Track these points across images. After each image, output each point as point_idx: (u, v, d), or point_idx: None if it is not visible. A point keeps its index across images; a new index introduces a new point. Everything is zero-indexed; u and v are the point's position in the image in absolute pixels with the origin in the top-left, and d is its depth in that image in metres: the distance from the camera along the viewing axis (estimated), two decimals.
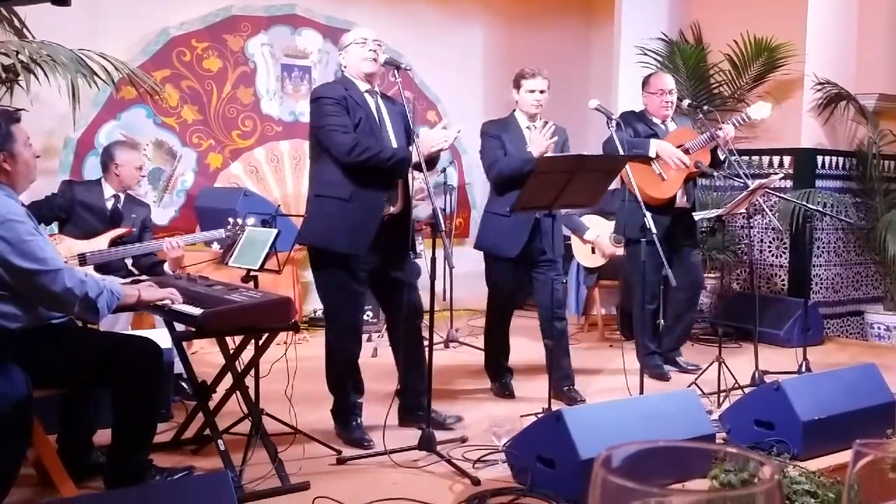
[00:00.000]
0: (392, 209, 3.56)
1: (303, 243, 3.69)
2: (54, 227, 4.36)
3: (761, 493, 0.55)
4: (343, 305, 3.55)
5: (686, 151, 4.57)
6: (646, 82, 4.88)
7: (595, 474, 0.57)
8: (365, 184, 3.44)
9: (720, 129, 4.57)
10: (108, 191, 4.34)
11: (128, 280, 3.50)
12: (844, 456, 3.14)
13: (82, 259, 3.93)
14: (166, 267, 4.04)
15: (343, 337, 3.58)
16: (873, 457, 0.75)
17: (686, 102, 4.93)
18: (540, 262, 4.16)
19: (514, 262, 4.17)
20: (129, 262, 4.28)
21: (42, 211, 4.10)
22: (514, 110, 4.30)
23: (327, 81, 4.02)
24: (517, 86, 4.24)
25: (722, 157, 4.68)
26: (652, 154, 4.49)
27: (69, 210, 4.24)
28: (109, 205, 4.33)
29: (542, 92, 4.19)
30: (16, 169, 2.72)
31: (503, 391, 4.35)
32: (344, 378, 3.61)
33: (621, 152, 3.95)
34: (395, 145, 3.53)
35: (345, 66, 3.62)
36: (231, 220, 4.03)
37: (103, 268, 4.04)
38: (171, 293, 2.92)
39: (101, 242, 4.08)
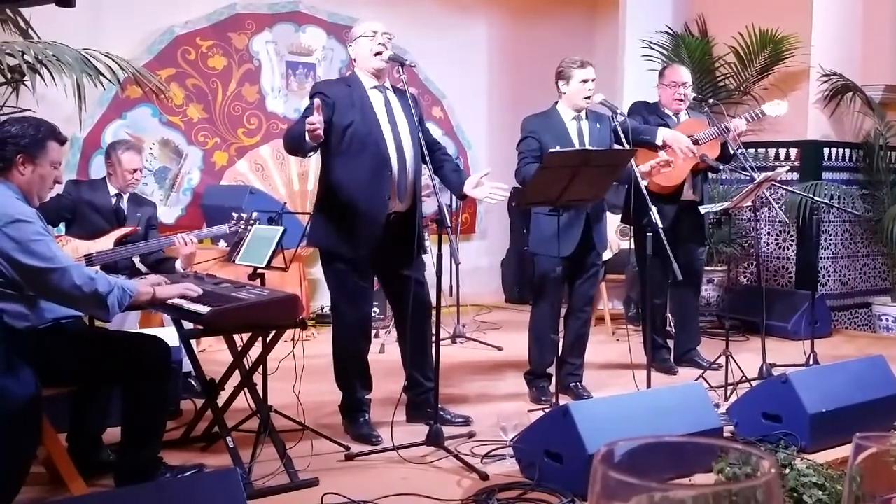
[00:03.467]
0: (398, 206, 3.54)
1: (309, 245, 3.71)
2: (61, 227, 4.37)
3: (760, 485, 0.55)
4: (348, 301, 3.55)
5: (696, 142, 4.56)
6: (661, 74, 4.90)
7: (595, 469, 0.57)
8: (364, 186, 3.43)
9: (731, 121, 4.56)
10: (112, 189, 4.34)
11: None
12: None
13: (89, 260, 3.93)
14: (177, 264, 4.03)
15: (349, 333, 3.59)
16: (875, 450, 0.75)
17: (692, 95, 4.92)
18: (590, 258, 4.14)
19: (565, 260, 3.98)
20: (136, 259, 4.28)
21: (49, 213, 4.09)
22: (556, 103, 4.15)
23: (331, 78, 4.01)
24: (565, 77, 4.05)
25: (732, 151, 4.65)
26: (658, 142, 4.45)
27: (75, 210, 4.24)
28: (113, 203, 4.34)
29: (593, 81, 4.06)
30: (30, 177, 2.73)
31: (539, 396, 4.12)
32: (351, 374, 3.62)
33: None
34: (405, 140, 3.53)
35: (355, 60, 3.60)
36: (236, 214, 4.03)
37: (110, 267, 4.04)
38: (186, 288, 2.92)
39: (106, 242, 4.08)
